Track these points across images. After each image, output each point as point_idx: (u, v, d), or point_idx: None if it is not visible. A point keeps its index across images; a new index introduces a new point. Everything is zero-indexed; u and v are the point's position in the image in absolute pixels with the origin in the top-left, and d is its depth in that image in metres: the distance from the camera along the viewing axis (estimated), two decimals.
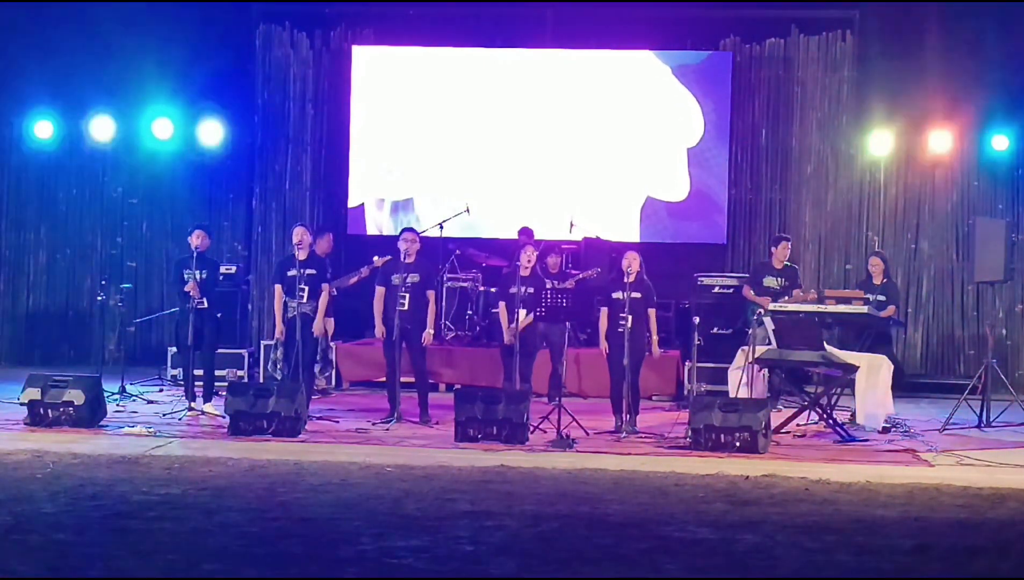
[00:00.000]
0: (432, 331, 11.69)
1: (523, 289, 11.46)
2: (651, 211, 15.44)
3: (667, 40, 15.59)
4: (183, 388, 12.24)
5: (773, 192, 15.70)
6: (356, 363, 14.27)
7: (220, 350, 12.76)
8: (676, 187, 15.45)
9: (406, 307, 11.44)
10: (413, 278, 11.51)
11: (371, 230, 15.68)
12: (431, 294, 11.64)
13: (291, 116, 15.99)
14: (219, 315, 12.33)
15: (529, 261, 11.78)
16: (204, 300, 11.80)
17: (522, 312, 11.48)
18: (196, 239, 11.93)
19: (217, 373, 12.43)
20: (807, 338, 11.28)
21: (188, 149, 15.81)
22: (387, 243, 13.76)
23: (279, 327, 11.68)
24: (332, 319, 12.19)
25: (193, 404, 11.77)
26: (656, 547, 6.90)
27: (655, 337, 11.29)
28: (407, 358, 11.64)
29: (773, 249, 13.23)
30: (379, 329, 11.53)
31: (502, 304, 12.10)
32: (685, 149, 15.49)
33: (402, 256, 11.58)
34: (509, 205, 15.45)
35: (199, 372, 11.95)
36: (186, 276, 11.80)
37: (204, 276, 11.85)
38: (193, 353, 11.85)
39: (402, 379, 11.64)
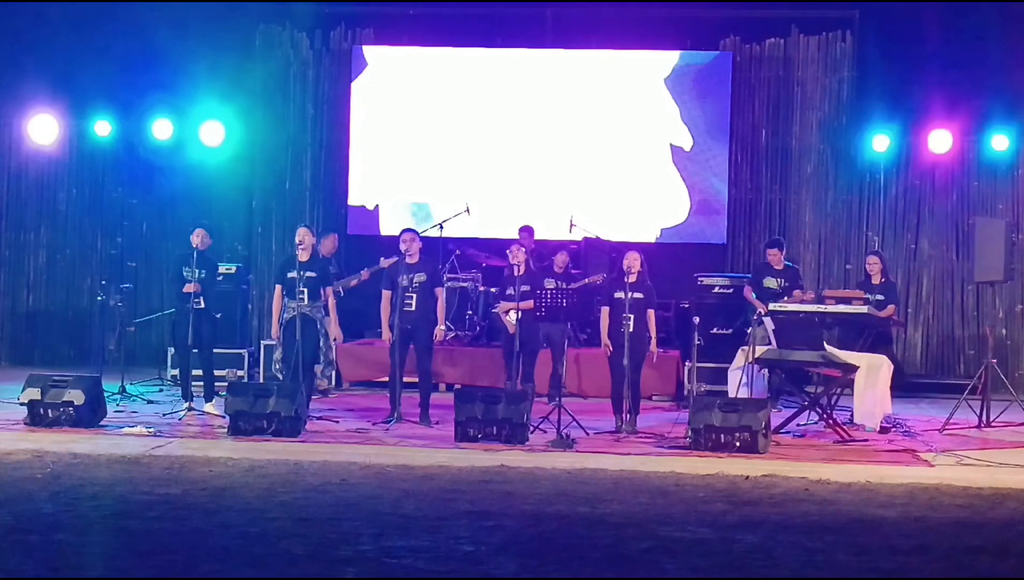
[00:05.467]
0: (443, 327, 11.69)
1: (518, 288, 11.42)
2: (663, 235, 15.52)
3: (667, 40, 15.59)
4: (181, 388, 12.22)
5: (773, 192, 15.71)
6: (356, 363, 14.27)
7: (221, 350, 12.78)
8: (680, 199, 15.44)
9: (413, 308, 11.42)
10: (420, 278, 11.49)
11: (370, 231, 15.68)
12: (440, 291, 11.63)
13: (291, 116, 16.00)
14: (218, 315, 12.34)
15: (516, 259, 11.74)
16: (201, 300, 11.80)
17: (513, 313, 11.46)
18: (197, 238, 11.93)
19: (217, 373, 12.42)
20: (807, 338, 11.28)
21: (188, 149, 15.81)
22: (387, 244, 13.77)
23: (274, 328, 11.69)
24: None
25: (191, 404, 11.77)
26: (656, 547, 6.89)
27: (654, 337, 11.29)
28: (411, 358, 11.63)
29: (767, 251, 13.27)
30: (386, 334, 11.51)
31: (501, 304, 12.13)
32: (685, 148, 15.50)
33: (404, 257, 11.57)
34: (509, 205, 15.45)
35: (198, 372, 11.95)
36: (185, 274, 11.80)
37: (203, 275, 11.85)
38: (190, 353, 11.86)
39: (405, 379, 11.65)
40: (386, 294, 11.54)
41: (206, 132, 15.63)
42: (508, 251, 12.02)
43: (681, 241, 15.45)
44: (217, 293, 12.38)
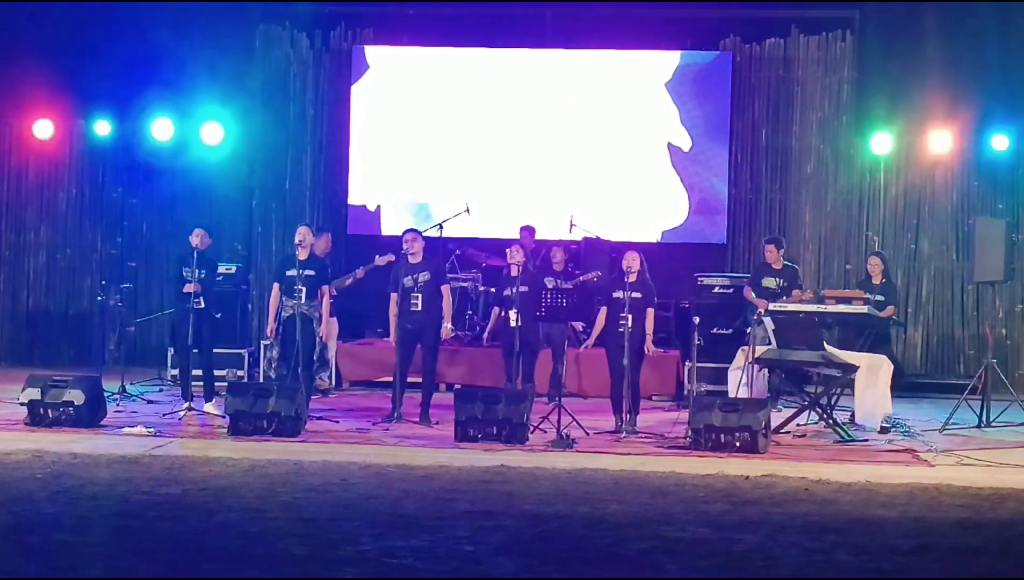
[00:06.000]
0: (450, 325, 11.67)
1: (516, 289, 11.42)
2: (663, 235, 15.52)
3: (667, 40, 15.60)
4: (180, 388, 12.22)
5: (773, 192, 15.71)
6: (356, 363, 14.27)
7: (221, 350, 12.76)
8: (680, 199, 15.44)
9: (419, 308, 11.41)
10: (424, 277, 11.48)
11: (370, 231, 15.69)
12: (446, 289, 11.63)
13: (291, 116, 16.00)
14: (218, 315, 12.34)
15: (514, 260, 11.75)
16: (201, 300, 11.79)
17: (513, 313, 11.44)
18: (196, 238, 11.93)
19: (217, 373, 12.42)
20: (807, 338, 11.28)
21: (188, 149, 15.81)
22: (387, 244, 13.77)
23: (270, 326, 11.70)
24: (335, 319, 12.19)
25: (191, 404, 11.77)
26: (656, 547, 6.89)
27: (650, 335, 11.27)
28: (417, 358, 11.62)
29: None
30: (394, 336, 11.50)
31: (496, 309, 12.12)
32: (684, 148, 15.50)
33: (408, 257, 11.56)
34: (509, 205, 15.45)
35: (197, 372, 11.95)
36: (185, 274, 11.80)
37: (203, 275, 11.85)
38: (190, 353, 11.86)
39: (409, 379, 11.64)
40: (394, 297, 11.52)
41: (206, 132, 15.63)
42: (507, 251, 12.03)
43: (681, 241, 15.45)
44: (217, 293, 12.37)
